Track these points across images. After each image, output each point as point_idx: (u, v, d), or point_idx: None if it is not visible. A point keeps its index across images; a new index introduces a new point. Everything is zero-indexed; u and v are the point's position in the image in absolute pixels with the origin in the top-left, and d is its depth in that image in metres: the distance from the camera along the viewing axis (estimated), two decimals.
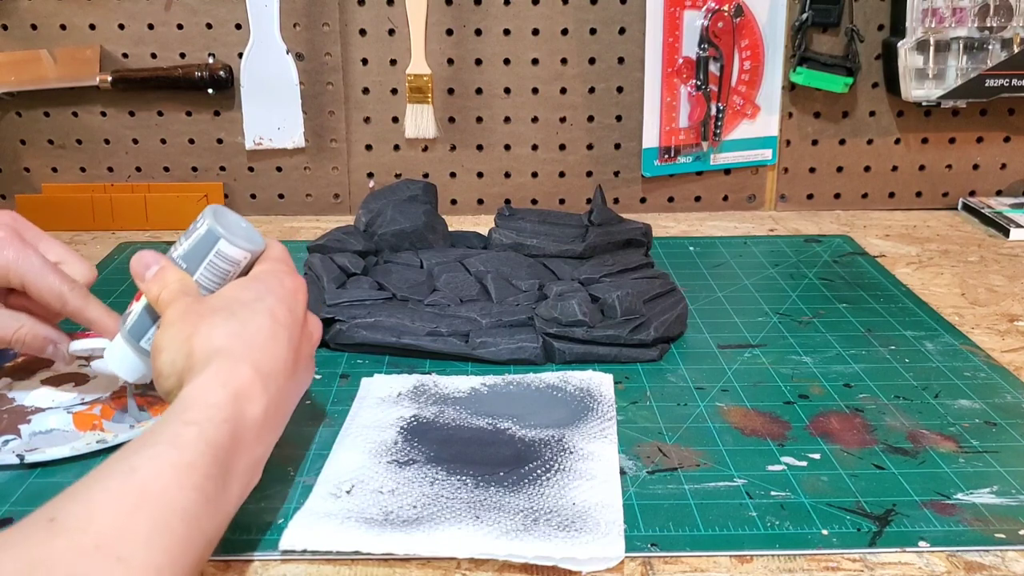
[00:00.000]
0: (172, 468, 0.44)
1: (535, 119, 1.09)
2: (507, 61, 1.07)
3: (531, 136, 1.09)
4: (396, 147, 1.10)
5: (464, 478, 0.57)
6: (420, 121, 1.05)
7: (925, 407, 0.66)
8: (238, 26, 1.05)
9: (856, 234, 1.03)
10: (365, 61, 1.07)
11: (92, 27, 1.05)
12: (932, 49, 1.02)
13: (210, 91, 1.06)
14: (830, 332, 0.78)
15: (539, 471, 0.58)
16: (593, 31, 1.06)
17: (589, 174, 1.11)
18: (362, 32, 1.06)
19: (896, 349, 0.75)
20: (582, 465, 0.58)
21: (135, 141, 1.09)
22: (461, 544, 0.51)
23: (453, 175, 1.11)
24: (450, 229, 0.94)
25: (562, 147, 1.10)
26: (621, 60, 1.07)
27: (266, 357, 0.52)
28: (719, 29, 1.03)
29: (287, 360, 0.54)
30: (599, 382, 0.69)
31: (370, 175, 1.11)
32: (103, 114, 1.08)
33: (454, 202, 1.12)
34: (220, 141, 1.09)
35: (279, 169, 1.10)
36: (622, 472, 0.59)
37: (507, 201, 1.12)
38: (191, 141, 1.09)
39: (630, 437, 0.63)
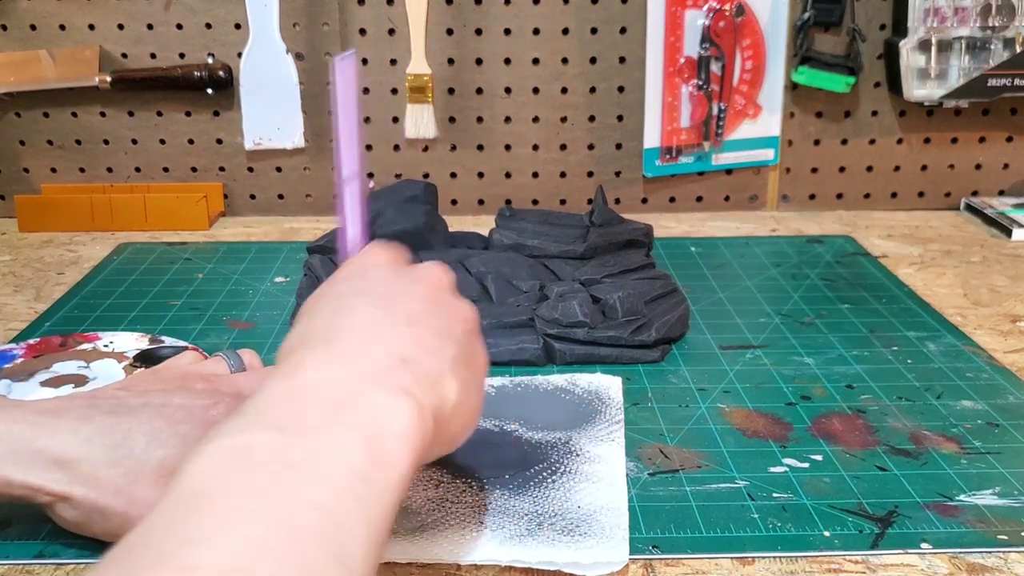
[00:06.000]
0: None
1: (536, 119, 1.08)
2: (508, 61, 1.06)
3: (532, 136, 1.09)
4: (396, 147, 1.09)
5: (470, 480, 0.57)
6: (420, 121, 1.05)
7: (927, 408, 0.66)
8: (237, 26, 1.05)
9: (858, 234, 1.03)
10: (365, 61, 1.06)
11: (91, 27, 1.05)
12: (934, 49, 1.02)
13: (209, 91, 1.06)
14: (832, 333, 0.78)
15: (545, 473, 0.58)
16: (594, 31, 1.06)
17: (590, 174, 1.11)
18: (362, 32, 1.06)
19: (898, 350, 0.75)
20: (588, 468, 0.58)
21: (134, 141, 1.09)
22: (464, 550, 0.50)
23: (453, 175, 1.11)
24: (450, 229, 0.94)
25: (563, 147, 1.10)
26: (622, 60, 1.07)
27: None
28: (720, 28, 1.03)
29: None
30: (607, 385, 0.69)
31: (370, 175, 1.10)
32: (102, 114, 1.08)
33: (454, 202, 1.11)
34: (220, 141, 1.09)
35: (279, 169, 1.10)
36: None
37: (508, 201, 1.11)
38: (190, 141, 1.09)
39: (631, 439, 0.62)
